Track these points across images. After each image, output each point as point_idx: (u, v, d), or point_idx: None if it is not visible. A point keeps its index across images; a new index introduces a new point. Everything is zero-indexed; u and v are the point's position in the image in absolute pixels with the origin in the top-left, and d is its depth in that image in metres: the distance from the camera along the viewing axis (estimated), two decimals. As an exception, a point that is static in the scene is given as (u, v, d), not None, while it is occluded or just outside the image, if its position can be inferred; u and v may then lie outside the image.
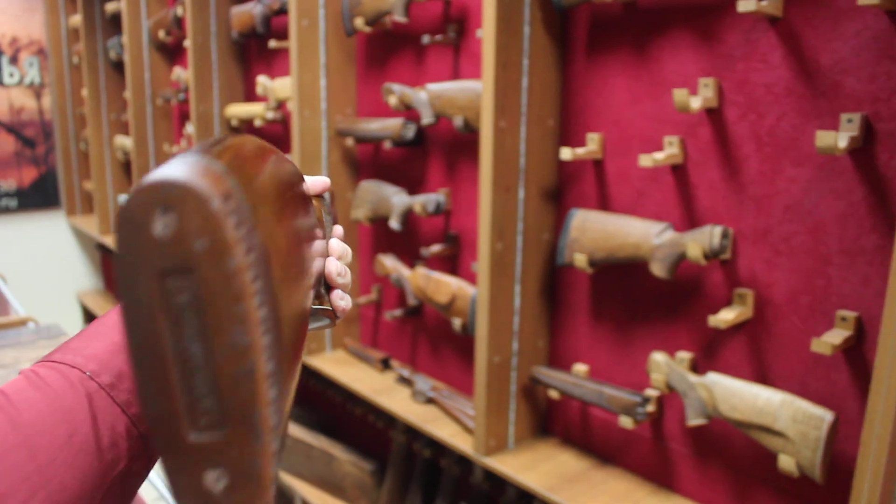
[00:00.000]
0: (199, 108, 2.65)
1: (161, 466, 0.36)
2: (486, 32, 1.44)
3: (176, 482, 0.36)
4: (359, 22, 1.90)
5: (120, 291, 0.34)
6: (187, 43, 2.62)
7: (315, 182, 0.65)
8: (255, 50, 2.62)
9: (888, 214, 1.12)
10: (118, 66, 3.57)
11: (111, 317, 0.51)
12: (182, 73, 2.90)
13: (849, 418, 1.19)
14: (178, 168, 0.33)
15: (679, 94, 1.25)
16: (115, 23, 3.46)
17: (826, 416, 1.15)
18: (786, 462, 1.18)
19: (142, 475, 0.48)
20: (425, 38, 1.77)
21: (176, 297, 0.34)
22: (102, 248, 4.10)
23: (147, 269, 0.33)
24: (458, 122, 1.66)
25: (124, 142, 3.49)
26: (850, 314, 1.17)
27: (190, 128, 2.71)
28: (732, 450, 1.37)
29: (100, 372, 0.47)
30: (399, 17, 1.76)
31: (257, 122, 2.45)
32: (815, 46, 1.17)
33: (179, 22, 2.82)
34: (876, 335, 1.13)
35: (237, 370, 0.35)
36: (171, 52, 3.15)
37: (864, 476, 1.03)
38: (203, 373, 0.35)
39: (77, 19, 3.63)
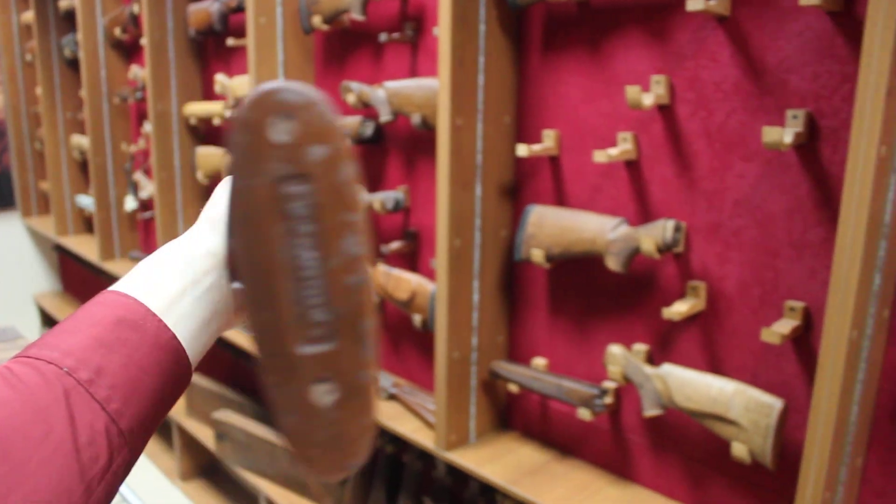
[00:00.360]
0: (156, 106, 2.62)
1: (263, 382, 0.35)
2: (443, 30, 1.45)
3: (279, 398, 0.35)
4: (316, 20, 1.90)
5: (232, 200, 0.33)
6: (144, 41, 2.59)
7: None
8: (213, 48, 2.60)
9: (832, 208, 1.15)
10: (73, 64, 3.52)
11: (89, 309, 0.49)
12: (139, 72, 2.87)
13: (798, 406, 1.23)
14: (293, 83, 0.33)
15: (632, 91, 1.27)
16: (69, 20, 3.41)
17: (776, 403, 1.18)
18: (738, 449, 1.21)
19: (122, 472, 0.47)
20: (383, 37, 1.77)
21: (291, 204, 0.34)
22: (59, 250, 4.03)
23: (263, 175, 0.33)
24: (415, 119, 1.67)
25: (81, 141, 3.44)
26: (798, 304, 1.21)
27: (148, 126, 2.69)
28: (687, 439, 1.40)
29: (78, 367, 0.45)
30: (356, 16, 1.77)
31: (216, 121, 2.43)
32: (761, 45, 1.20)
33: (136, 19, 2.79)
34: (823, 325, 1.17)
35: (350, 280, 0.35)
36: (128, 50, 3.11)
37: (810, 461, 1.07)
38: (316, 282, 0.35)
39: (29, 16, 3.56)
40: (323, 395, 0.35)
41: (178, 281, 0.51)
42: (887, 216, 1.03)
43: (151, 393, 0.47)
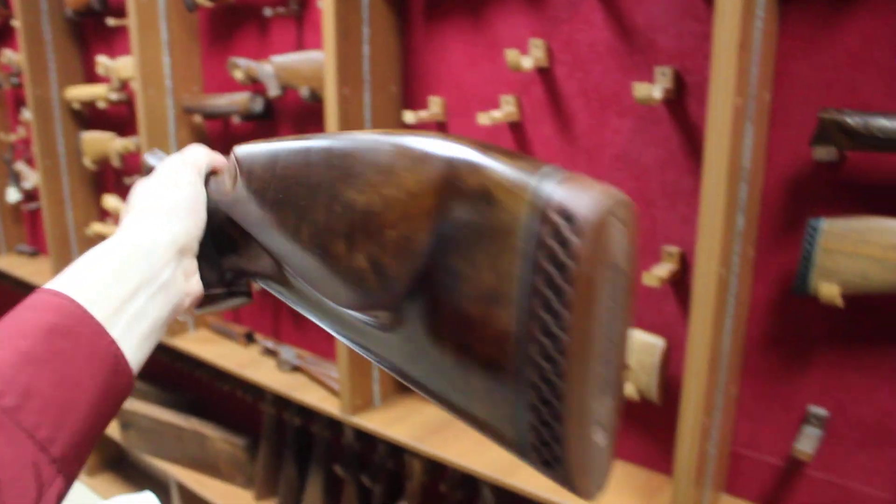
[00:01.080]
0: (35, 92, 2.52)
1: (562, 427, 0.42)
2: (326, 2, 1.46)
3: (571, 439, 0.43)
4: (198, -4, 1.87)
5: (575, 280, 0.40)
6: (16, 23, 2.48)
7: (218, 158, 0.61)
8: (93, 28, 2.52)
9: (700, 158, 1.23)
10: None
11: (19, 315, 0.43)
12: (13, 56, 2.75)
13: (679, 343, 1.31)
14: (621, 193, 0.43)
15: (511, 55, 1.32)
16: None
17: (659, 343, 1.27)
18: (627, 388, 1.29)
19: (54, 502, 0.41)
20: (268, 11, 1.77)
21: (613, 287, 0.43)
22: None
23: (607, 266, 0.42)
24: (304, 92, 1.68)
25: (-46, 132, 3.28)
26: (675, 249, 1.29)
27: (27, 113, 2.59)
28: (581, 385, 1.48)
29: (3, 392, 0.39)
30: (239, -10, 1.76)
31: (101, 105, 2.36)
32: (630, 7, 1.27)
33: (5, 0, 2.67)
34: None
35: (625, 346, 0.47)
36: (-1, 34, 2.98)
37: (690, 391, 1.15)
38: (610, 346, 0.44)
39: None
40: (598, 435, 0.45)
41: (133, 277, 0.47)
42: (746, 161, 1.12)
43: (87, 410, 0.42)
